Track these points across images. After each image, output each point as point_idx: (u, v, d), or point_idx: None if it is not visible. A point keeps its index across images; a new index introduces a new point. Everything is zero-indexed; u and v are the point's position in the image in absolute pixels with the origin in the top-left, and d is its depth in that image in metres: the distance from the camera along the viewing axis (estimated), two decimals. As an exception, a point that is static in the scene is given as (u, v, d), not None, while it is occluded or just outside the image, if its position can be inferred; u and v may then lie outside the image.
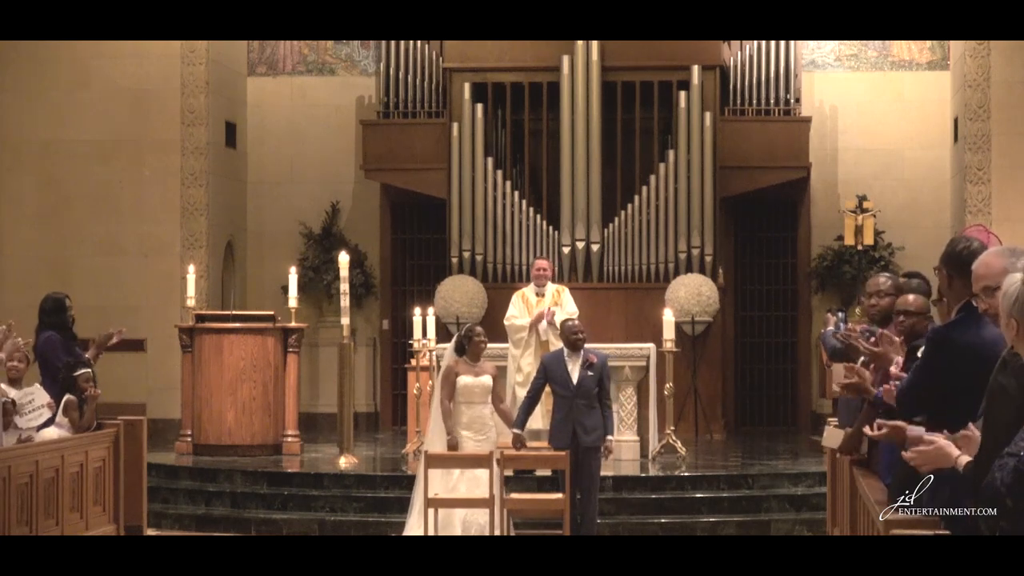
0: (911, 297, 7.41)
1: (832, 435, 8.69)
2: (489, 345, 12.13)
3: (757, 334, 19.23)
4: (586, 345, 11.80)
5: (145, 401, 17.42)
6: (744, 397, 19.20)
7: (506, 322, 14.43)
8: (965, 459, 4.70)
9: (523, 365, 14.10)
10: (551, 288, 14.58)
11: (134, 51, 17.86)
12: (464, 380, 11.65)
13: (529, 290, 14.60)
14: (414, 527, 11.55)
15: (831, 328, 12.96)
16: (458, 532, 11.33)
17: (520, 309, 14.38)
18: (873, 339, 7.64)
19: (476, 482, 11.36)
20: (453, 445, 11.53)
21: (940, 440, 4.78)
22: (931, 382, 5.70)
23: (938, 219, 18.52)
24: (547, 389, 11.80)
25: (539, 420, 12.93)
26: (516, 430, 11.64)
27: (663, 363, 14.76)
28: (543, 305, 14.32)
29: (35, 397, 10.52)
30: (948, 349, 5.64)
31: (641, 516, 12.94)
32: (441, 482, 11.42)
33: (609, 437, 11.63)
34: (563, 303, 14.34)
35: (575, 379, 11.53)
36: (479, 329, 11.91)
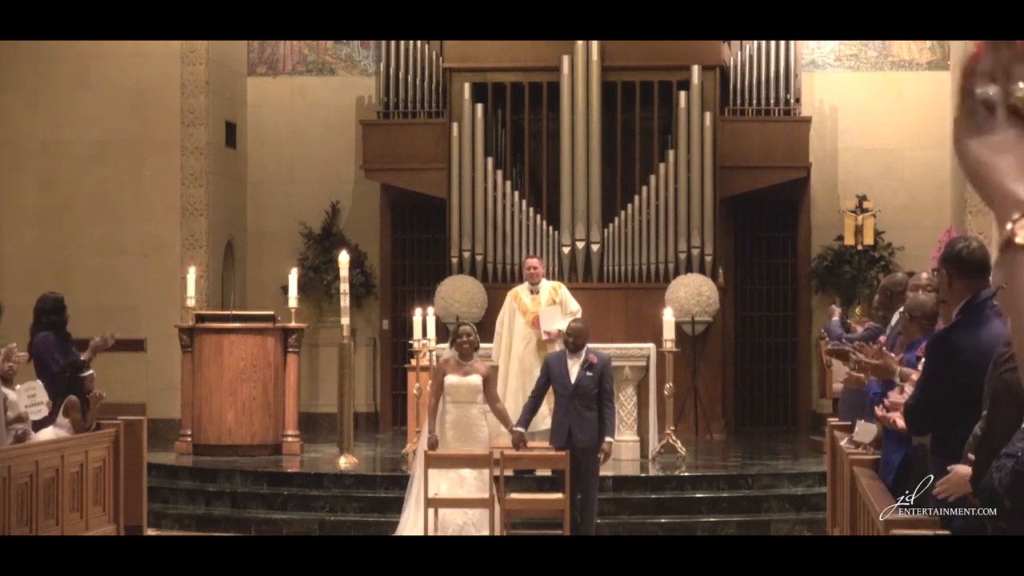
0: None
1: (865, 430, 8.67)
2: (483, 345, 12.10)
3: (757, 334, 19.22)
4: (588, 345, 11.77)
5: (145, 401, 17.40)
6: (744, 397, 19.18)
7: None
8: None
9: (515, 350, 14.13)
10: (547, 285, 14.46)
11: (134, 51, 17.84)
12: (451, 379, 11.48)
13: (523, 289, 14.46)
14: (406, 526, 11.52)
15: (836, 319, 13.01)
16: (436, 531, 11.17)
17: (510, 315, 14.29)
18: (874, 342, 7.66)
19: (460, 481, 11.28)
20: (432, 444, 11.42)
21: (957, 466, 4.85)
22: (938, 389, 5.65)
23: (938, 219, 18.49)
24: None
25: (539, 422, 12.87)
26: (519, 428, 11.57)
27: (663, 363, 14.76)
28: (539, 303, 14.23)
29: (37, 392, 10.55)
30: (951, 353, 5.61)
31: (641, 516, 12.94)
32: (430, 481, 11.25)
33: (608, 439, 11.50)
34: (564, 301, 14.25)
35: (573, 379, 11.51)
36: (465, 328, 11.70)
